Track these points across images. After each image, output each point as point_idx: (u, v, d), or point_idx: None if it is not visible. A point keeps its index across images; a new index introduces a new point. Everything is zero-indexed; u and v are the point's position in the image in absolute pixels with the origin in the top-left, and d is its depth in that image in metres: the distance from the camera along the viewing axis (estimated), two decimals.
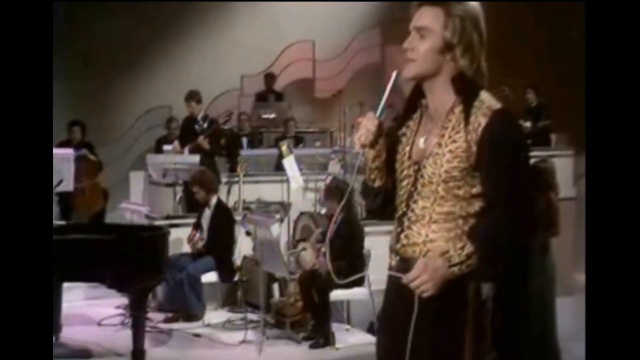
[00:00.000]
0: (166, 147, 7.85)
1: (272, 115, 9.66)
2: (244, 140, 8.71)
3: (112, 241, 4.27)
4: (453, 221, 1.94)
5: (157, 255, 4.45)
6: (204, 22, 10.88)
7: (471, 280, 1.89)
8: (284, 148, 6.67)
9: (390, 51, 11.31)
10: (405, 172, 2.04)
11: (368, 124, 1.99)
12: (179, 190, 6.94)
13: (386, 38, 11.47)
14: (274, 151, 7.84)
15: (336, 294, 5.25)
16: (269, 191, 7.44)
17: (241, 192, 7.30)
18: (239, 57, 10.64)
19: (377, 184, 2.09)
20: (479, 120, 1.92)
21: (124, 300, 5.58)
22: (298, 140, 8.85)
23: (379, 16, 11.48)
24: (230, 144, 8.42)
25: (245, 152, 7.98)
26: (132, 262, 4.26)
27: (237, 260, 6.22)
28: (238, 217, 6.25)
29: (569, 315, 5.61)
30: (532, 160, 6.07)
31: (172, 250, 6.15)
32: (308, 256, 5.76)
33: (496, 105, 1.95)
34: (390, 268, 2.06)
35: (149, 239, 4.50)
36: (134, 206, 6.31)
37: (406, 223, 2.00)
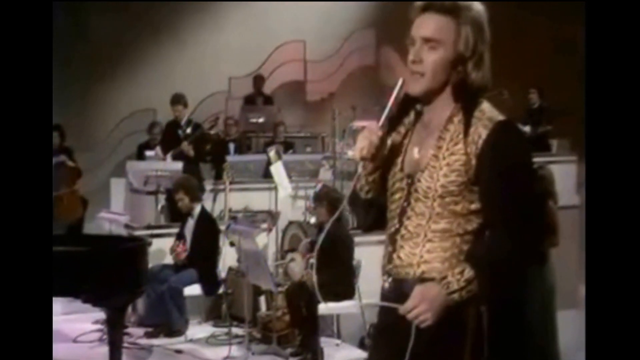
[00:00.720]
0: (148, 153, 7.81)
1: (261, 120, 9.63)
2: (231, 146, 8.66)
3: (87, 253, 4.22)
4: (450, 239, 1.87)
5: (135, 268, 4.39)
6: (191, 21, 10.85)
7: (470, 305, 1.84)
8: (272, 154, 6.63)
9: (385, 52, 11.30)
10: (397, 185, 1.96)
11: (372, 136, 1.90)
12: (162, 198, 6.90)
13: (381, 39, 11.47)
14: (263, 157, 7.81)
15: (325, 307, 5.21)
16: (257, 199, 7.40)
17: (227, 200, 7.25)
18: (226, 58, 10.62)
19: (370, 195, 2.01)
20: (480, 131, 1.85)
21: (102, 314, 5.52)
22: (288, 146, 8.81)
23: (373, 15, 11.48)
24: (216, 150, 8.38)
25: (231, 158, 7.92)
26: (109, 276, 4.20)
27: (222, 272, 6.17)
28: (224, 227, 6.21)
29: (575, 329, 5.58)
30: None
31: (154, 262, 6.13)
32: (297, 267, 5.72)
33: (498, 116, 1.88)
34: (383, 291, 1.99)
35: (127, 251, 4.45)
36: (112, 215, 6.26)
37: (399, 241, 1.92)
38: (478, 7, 1.91)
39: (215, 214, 7.20)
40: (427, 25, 1.89)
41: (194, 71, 10.45)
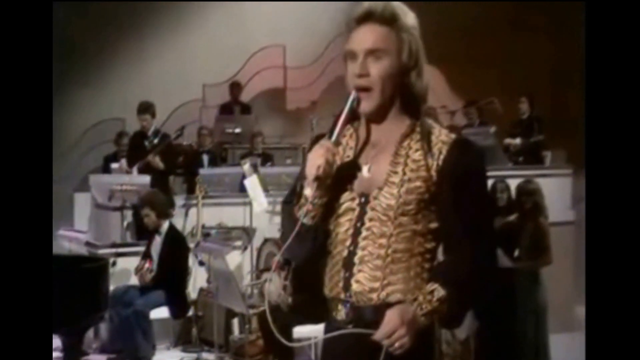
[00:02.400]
0: (114, 166, 7.75)
1: (238, 130, 9.59)
2: (205, 158, 8.61)
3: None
4: (412, 259, 1.89)
5: (94, 290, 4.35)
6: (162, 24, 10.81)
7: (439, 326, 1.88)
8: (246, 167, 6.60)
9: None
10: (346, 206, 1.93)
11: (328, 155, 1.87)
12: (128, 214, 6.83)
13: None
14: (239, 169, 7.76)
15: (301, 331, 5.15)
16: (233, 215, 7.34)
17: (200, 216, 7.19)
18: (200, 63, 10.57)
19: (314, 221, 1.93)
20: (440, 147, 1.91)
21: (57, 341, 5.44)
22: (266, 158, 8.78)
23: None
24: (188, 162, 8.32)
25: (205, 171, 7.87)
26: (64, 299, 4.13)
27: (192, 293, 6.12)
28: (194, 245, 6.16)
29: (570, 354, 5.56)
30: (516, 181, 6.07)
31: (119, 283, 6.08)
32: (273, 287, 5.67)
33: (450, 133, 1.95)
34: (334, 322, 1.94)
35: (84, 272, 4.39)
36: (72, 233, 6.20)
37: (356, 266, 1.90)
38: (412, 14, 1.95)
39: (187, 230, 7.14)
40: (368, 36, 1.90)
41: (167, 78, 10.40)
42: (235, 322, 6.05)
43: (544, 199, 5.57)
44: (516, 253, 5.53)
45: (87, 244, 6.16)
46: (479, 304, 1.92)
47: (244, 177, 7.14)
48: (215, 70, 10.60)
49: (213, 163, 8.54)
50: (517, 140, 8.67)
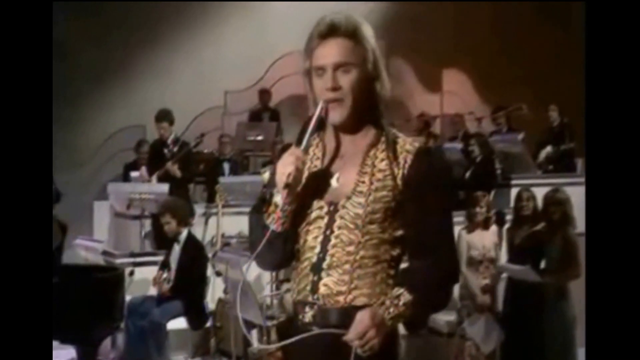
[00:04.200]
0: (133, 174, 7.80)
1: (260, 137, 9.61)
2: (226, 166, 8.65)
3: (54, 285, 4.18)
4: (378, 265, 1.99)
5: (108, 301, 4.38)
6: (183, 30, 10.88)
7: (406, 329, 2.03)
8: (265, 175, 6.57)
9: (395, 64, 11.27)
10: (315, 214, 2.02)
11: (297, 162, 1.94)
12: (147, 223, 6.87)
13: (390, 49, 11.44)
14: (260, 178, 7.77)
15: None
16: None
17: (220, 225, 7.21)
18: (222, 69, 10.61)
19: (284, 227, 2.02)
20: (405, 156, 2.00)
21: (72, 352, 5.48)
22: None
23: (382, 26, 11.47)
24: (209, 170, 8.35)
25: (225, 179, 7.89)
26: (78, 309, 4.18)
27: (211, 303, 6.12)
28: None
29: None
30: (543, 190, 5.98)
31: (138, 293, 6.10)
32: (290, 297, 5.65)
33: (414, 142, 2.05)
34: (300, 324, 2.02)
35: (98, 282, 4.42)
36: (88, 242, 6.24)
37: (324, 271, 1.99)
38: (368, 28, 2.03)
39: (207, 239, 7.16)
40: (334, 51, 1.98)
41: (188, 84, 10.46)
42: (254, 333, 6.03)
43: (573, 208, 5.48)
44: (542, 265, 5.45)
45: (104, 253, 6.20)
46: (441, 308, 2.06)
47: (264, 186, 7.13)
48: (237, 76, 10.65)
49: (234, 171, 8.58)
50: (549, 148, 8.58)
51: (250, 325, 5.86)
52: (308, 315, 2.00)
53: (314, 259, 2.00)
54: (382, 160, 2.00)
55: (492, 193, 7.61)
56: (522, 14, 11.12)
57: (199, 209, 7.52)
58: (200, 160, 8.56)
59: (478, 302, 5.70)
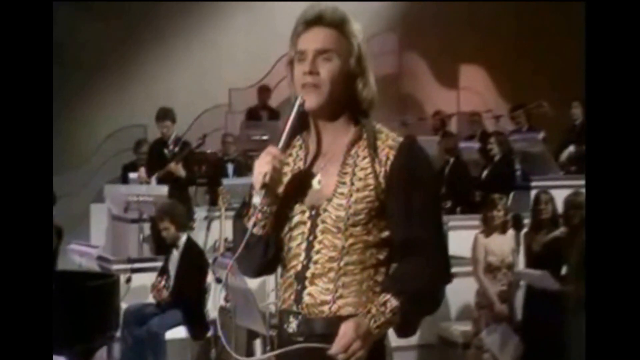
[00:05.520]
0: (132, 176, 7.81)
1: (265, 137, 9.59)
2: (229, 167, 8.64)
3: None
4: (364, 271, 1.99)
5: (101, 309, 4.37)
6: (187, 26, 10.90)
7: (397, 336, 1.99)
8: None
9: (409, 59, 11.26)
10: (297, 219, 2.02)
11: (274, 161, 1.94)
12: (146, 227, 6.87)
13: (404, 44, 11.43)
14: None
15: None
16: None
17: (223, 229, 7.20)
18: (226, 66, 10.63)
19: (265, 231, 2.02)
20: (386, 152, 2.00)
21: None
22: None
23: (395, 18, 11.46)
24: (212, 171, 8.35)
25: (228, 180, 7.88)
26: (70, 318, 4.18)
27: (212, 311, 6.10)
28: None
29: None
30: (566, 193, 5.93)
31: (134, 301, 6.10)
32: None
33: (399, 137, 2.03)
34: (284, 334, 2.03)
35: (92, 289, 4.42)
36: (83, 247, 6.25)
37: (308, 279, 1.99)
38: (357, 23, 2.06)
39: (209, 244, 7.15)
40: (318, 37, 2.01)
41: (190, 82, 10.48)
42: (258, 343, 6.02)
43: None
44: (563, 271, 5.40)
45: (100, 258, 6.20)
46: (432, 311, 2.02)
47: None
48: (241, 73, 10.66)
49: (238, 172, 8.56)
50: (571, 148, 8.51)
51: (253, 334, 5.86)
52: (292, 325, 2.00)
53: (299, 267, 2.00)
54: (364, 158, 2.00)
55: (511, 195, 7.58)
56: (543, 7, 11.06)
57: (201, 212, 7.52)
58: (202, 161, 8.56)
59: (496, 310, 5.68)
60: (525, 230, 6.15)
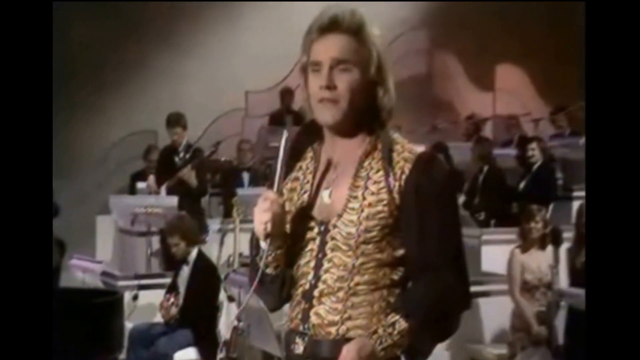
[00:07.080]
0: (140, 185, 7.85)
1: None
2: (245, 176, 8.64)
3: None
4: (376, 292, 1.98)
5: (105, 328, 4.38)
6: (200, 25, 10.96)
7: None
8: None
9: (440, 59, 11.23)
10: (307, 235, 2.03)
11: (272, 207, 1.95)
12: (155, 240, 6.89)
13: (435, 42, 11.41)
14: None
15: None
16: None
17: (237, 243, 7.20)
18: (242, 68, 10.66)
19: (279, 270, 2.05)
20: (402, 166, 1.98)
21: None
22: None
23: (426, 14, 11.44)
24: (226, 181, 8.36)
25: (244, 191, 7.89)
26: (71, 338, 4.19)
27: (225, 331, 6.10)
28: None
29: None
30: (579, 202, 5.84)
31: (142, 320, 6.12)
32: None
33: (417, 148, 2.03)
34: (291, 355, 2.04)
35: (93, 307, 4.44)
36: (85, 263, 6.28)
37: (316, 298, 2.00)
38: (376, 29, 2.03)
39: (223, 259, 7.16)
40: (335, 46, 1.98)
41: (204, 85, 10.52)
42: None
43: None
44: None
45: (104, 274, 6.23)
46: (445, 338, 2.00)
47: None
48: (258, 75, 10.68)
49: (254, 182, 8.55)
50: None
51: (269, 356, 5.85)
52: (299, 346, 2.01)
53: (307, 286, 2.01)
54: (378, 171, 1.99)
55: (551, 207, 7.51)
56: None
57: (214, 224, 7.53)
58: (216, 170, 8.58)
59: (533, 333, 5.62)
60: (566, 245, 6.08)
